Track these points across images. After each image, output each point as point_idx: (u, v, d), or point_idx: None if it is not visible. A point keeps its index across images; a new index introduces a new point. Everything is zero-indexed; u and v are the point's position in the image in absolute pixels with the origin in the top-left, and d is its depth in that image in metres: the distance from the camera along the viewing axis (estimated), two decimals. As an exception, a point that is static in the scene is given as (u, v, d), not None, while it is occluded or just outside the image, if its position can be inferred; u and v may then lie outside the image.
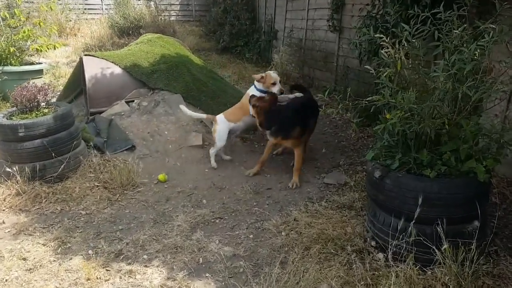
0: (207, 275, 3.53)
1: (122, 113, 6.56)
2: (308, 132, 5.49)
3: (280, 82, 5.71)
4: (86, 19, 14.38)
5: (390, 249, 3.42)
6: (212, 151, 5.72)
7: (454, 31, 3.20)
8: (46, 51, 8.68)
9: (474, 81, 3.14)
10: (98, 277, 3.51)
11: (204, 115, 5.99)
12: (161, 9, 15.41)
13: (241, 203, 4.77)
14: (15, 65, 8.23)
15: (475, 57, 3.14)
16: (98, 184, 5.08)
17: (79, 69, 7.23)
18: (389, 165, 3.59)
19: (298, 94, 5.71)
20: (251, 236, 4.10)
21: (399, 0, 4.67)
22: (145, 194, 5.03)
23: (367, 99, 3.55)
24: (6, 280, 3.49)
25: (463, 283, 3.08)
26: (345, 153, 6.06)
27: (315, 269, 3.40)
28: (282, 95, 5.60)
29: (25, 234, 4.22)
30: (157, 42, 8.07)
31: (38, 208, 4.68)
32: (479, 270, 3.23)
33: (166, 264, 3.68)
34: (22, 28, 8.28)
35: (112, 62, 6.94)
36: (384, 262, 3.45)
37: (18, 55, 8.35)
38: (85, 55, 7.06)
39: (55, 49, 8.76)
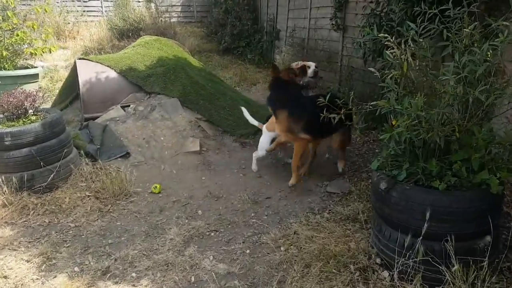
0: (198, 296, 3.28)
1: (117, 119, 6.32)
2: (318, 138, 5.11)
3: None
4: (86, 21, 14.16)
5: (396, 267, 3.16)
6: (255, 154, 5.46)
7: (465, 29, 2.92)
8: (41, 54, 8.45)
9: (486, 85, 2.86)
10: (82, 298, 3.27)
11: (256, 122, 5.73)
12: (162, 10, 15.19)
13: (238, 214, 4.51)
14: (8, 70, 8.00)
15: (488, 58, 2.86)
16: (90, 194, 4.84)
17: (74, 73, 7.01)
18: (395, 176, 3.32)
19: None
20: (247, 251, 3.84)
21: (404, -3, 4.42)
22: (138, 204, 4.79)
23: (371, 103, 3.28)
24: (-17, 303, 3.27)
25: (474, 306, 2.81)
26: (349, 159, 5.78)
27: (315, 290, 3.14)
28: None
29: (9, 249, 3.98)
30: (154, 44, 7.84)
31: (25, 221, 4.44)
32: (492, 291, 2.96)
33: (155, 284, 3.43)
34: (15, 31, 8.04)
35: (108, 66, 6.71)
36: (390, 281, 3.19)
37: (12, 59, 8.12)
38: (79, 58, 6.83)
39: (50, 52, 8.53)
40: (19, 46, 8.21)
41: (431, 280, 3.09)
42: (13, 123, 4.80)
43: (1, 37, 7.82)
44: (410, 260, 3.11)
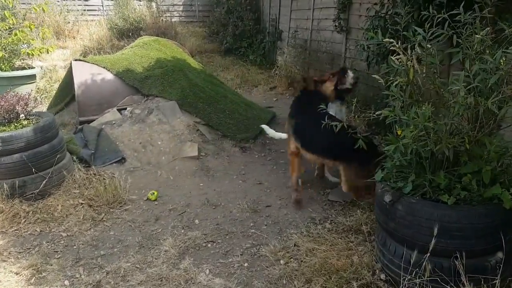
0: (193, 314, 3.12)
1: (113, 122, 6.15)
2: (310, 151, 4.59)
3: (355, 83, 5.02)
4: (86, 20, 13.98)
5: (402, 284, 2.98)
6: None
7: (476, 35, 2.74)
8: (38, 55, 8.31)
9: (499, 95, 2.68)
10: (70, 316, 3.11)
11: (283, 135, 5.26)
12: (163, 10, 15.00)
13: (237, 224, 4.34)
14: (5, 71, 7.86)
15: (501, 67, 2.68)
16: (83, 202, 4.68)
17: (70, 75, 6.85)
18: (401, 188, 3.15)
19: None
20: (245, 264, 3.67)
21: (410, 0, 4.23)
22: (133, 212, 4.62)
23: (376, 112, 3.10)
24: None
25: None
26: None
27: (315, 309, 2.97)
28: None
29: (-2, 260, 3.83)
30: (153, 45, 7.67)
31: (15, 230, 4.28)
32: (504, 313, 2.79)
33: (148, 300, 3.26)
34: (13, 31, 7.89)
35: (104, 68, 6.55)
36: (395, 300, 3.01)
37: (9, 59, 7.98)
38: (75, 59, 6.67)
39: (48, 52, 8.38)
40: (17, 46, 8.07)
41: (439, 299, 2.92)
42: (4, 128, 4.64)
43: (-1, 37, 7.69)
44: (417, 278, 2.94)
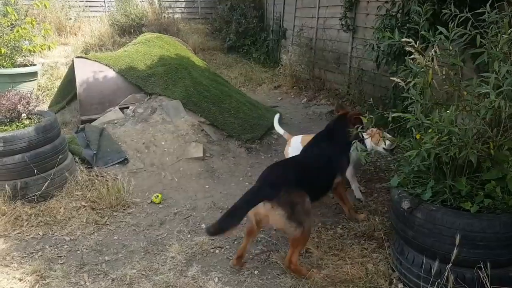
0: (202, 326, 2.98)
1: (115, 121, 6.00)
2: None
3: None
4: (87, 17, 13.80)
5: (422, 296, 2.86)
6: None
7: (503, 35, 2.59)
8: (40, 51, 8.15)
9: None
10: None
11: (282, 130, 5.12)
12: (165, 6, 14.82)
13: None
14: (7, 67, 7.70)
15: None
16: (85, 204, 4.54)
17: (72, 72, 6.70)
18: (419, 195, 3.01)
19: None
20: (256, 272, 3.53)
21: (426, -2, 4.08)
22: (137, 216, 4.48)
23: (393, 115, 2.96)
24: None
25: None
26: (361, 167, 5.44)
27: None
28: None
29: (1, 265, 3.69)
30: (155, 42, 7.52)
31: (18, 233, 4.15)
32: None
33: (154, 310, 3.13)
34: (14, 27, 7.74)
35: (106, 65, 6.40)
36: (415, 313, 2.87)
37: (11, 56, 7.82)
38: (77, 57, 6.52)
39: (49, 49, 8.22)
40: (18, 42, 7.91)
41: (462, 312, 2.79)
42: (5, 128, 4.49)
43: (1, 33, 7.52)
44: (438, 288, 2.81)
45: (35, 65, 8.16)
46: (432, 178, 3.02)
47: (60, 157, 4.61)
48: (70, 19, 13.25)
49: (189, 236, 4.09)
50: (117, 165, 5.28)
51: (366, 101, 6.87)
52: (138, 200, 4.74)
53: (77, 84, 6.07)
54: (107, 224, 4.32)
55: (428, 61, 2.96)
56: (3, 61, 7.72)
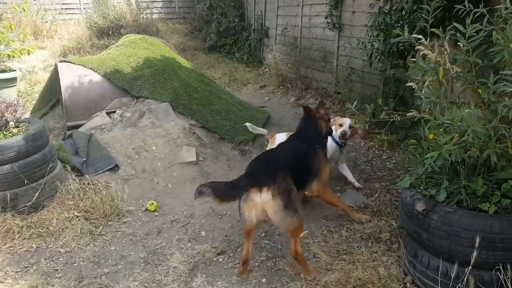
0: None
1: (103, 127, 5.80)
2: None
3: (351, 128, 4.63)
4: (64, 19, 13.42)
5: (440, 299, 2.78)
6: None
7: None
8: (19, 56, 7.85)
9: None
10: None
11: (265, 131, 5.07)
12: (143, 7, 14.56)
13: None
14: (-16, 74, 7.40)
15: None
16: (78, 214, 4.35)
17: (55, 77, 6.47)
18: (433, 196, 2.94)
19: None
20: (263, 280, 3.41)
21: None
22: (133, 225, 4.32)
23: (408, 114, 2.88)
24: None
25: None
26: (357, 166, 5.40)
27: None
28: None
29: (-6, 281, 3.50)
30: (140, 44, 7.31)
31: (10, 246, 3.95)
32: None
33: (163, 325, 2.98)
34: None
35: (91, 69, 6.18)
36: (434, 317, 2.80)
37: (-12, 62, 7.52)
38: (61, 61, 6.29)
39: (29, 54, 7.92)
40: (-6, 48, 7.60)
41: (481, 315, 2.73)
42: (-8, 137, 4.27)
43: (-24, 39, 7.21)
44: (455, 292, 2.75)
45: (14, 70, 7.86)
46: (445, 179, 2.95)
47: (50, 165, 4.41)
48: (46, 22, 12.88)
49: (189, 244, 3.95)
50: (107, 172, 5.09)
51: (355, 100, 6.80)
52: (133, 208, 4.57)
53: (62, 89, 5.84)
54: (103, 234, 4.15)
55: (439, 58, 2.88)
56: (-19, 67, 7.43)
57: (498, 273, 2.69)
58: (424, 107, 2.94)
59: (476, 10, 2.69)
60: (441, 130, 2.82)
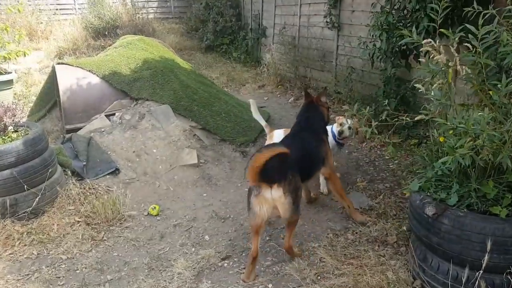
0: None
1: (102, 129, 5.73)
2: None
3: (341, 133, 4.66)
4: (59, 20, 13.30)
5: (451, 304, 2.74)
6: None
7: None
8: (15, 58, 7.75)
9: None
10: None
11: (264, 122, 5.00)
12: (139, 7, 14.46)
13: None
14: (-18, 76, 7.30)
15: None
16: (79, 220, 4.29)
17: (52, 79, 6.39)
18: (443, 200, 2.90)
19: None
20: (270, 285, 3.36)
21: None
22: (135, 230, 4.26)
23: (416, 117, 2.84)
24: None
25: None
26: (360, 167, 5.35)
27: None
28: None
29: (-5, 290, 3.44)
30: (138, 45, 7.24)
31: (10, 254, 3.88)
32: None
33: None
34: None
35: (89, 71, 6.10)
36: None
37: (-16, 64, 7.42)
38: (58, 63, 6.21)
39: (25, 56, 7.82)
40: (-10, 50, 7.51)
41: (493, 319, 2.69)
42: (-9, 142, 4.19)
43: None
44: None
45: (10, 72, 7.76)
46: (455, 182, 2.91)
47: (50, 170, 4.34)
48: (41, 23, 12.76)
49: (193, 249, 3.90)
50: (108, 176, 5.02)
51: (356, 99, 6.78)
52: (135, 213, 4.51)
53: (60, 92, 5.76)
54: (105, 240, 4.09)
55: (448, 60, 2.84)
56: (-23, 70, 7.33)
57: (509, 276, 2.67)
58: (434, 109, 2.90)
59: (486, 11, 2.64)
60: (450, 132, 2.78)
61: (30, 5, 12.60)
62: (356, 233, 3.95)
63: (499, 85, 2.61)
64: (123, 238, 4.12)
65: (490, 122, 2.54)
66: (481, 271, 2.59)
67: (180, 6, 16.29)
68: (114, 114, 6.03)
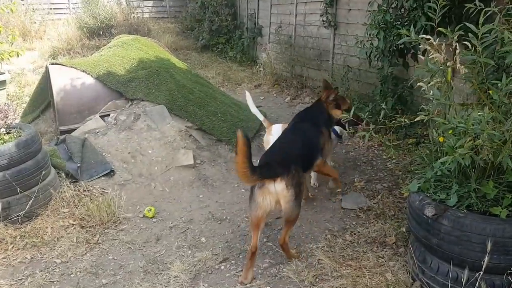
0: None
1: (97, 130, 5.66)
2: None
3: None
4: (53, 19, 13.22)
5: (451, 306, 2.71)
6: None
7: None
8: (8, 59, 7.65)
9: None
10: None
11: (262, 117, 4.98)
12: (134, 6, 14.37)
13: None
14: (-27, 77, 7.22)
15: None
16: (74, 222, 4.23)
17: (46, 80, 6.32)
18: (443, 201, 2.86)
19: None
20: (268, 288, 3.32)
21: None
22: (130, 232, 4.20)
23: (416, 118, 2.80)
24: None
25: None
26: (357, 167, 5.31)
27: None
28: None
29: (-13, 295, 3.38)
30: (133, 44, 7.17)
31: (3, 258, 3.81)
32: None
33: None
34: (-22, 34, 7.23)
35: (83, 71, 6.03)
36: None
37: (-24, 65, 7.33)
38: (52, 63, 6.14)
39: (18, 56, 7.72)
40: (-18, 50, 7.41)
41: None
42: (-18, 144, 4.12)
43: (-36, 41, 7.01)
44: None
45: (3, 73, 7.67)
46: (454, 182, 2.87)
47: (43, 172, 4.28)
48: (35, 22, 12.66)
49: (189, 252, 3.84)
50: (103, 178, 4.96)
51: (352, 99, 6.74)
52: (130, 215, 4.45)
53: (54, 93, 5.69)
54: (100, 243, 4.03)
55: (447, 59, 2.80)
56: (-31, 71, 7.25)
57: (509, 277, 2.64)
58: (433, 108, 2.86)
59: (487, 9, 2.60)
60: (450, 132, 2.74)
61: (23, 4, 12.50)
62: (355, 234, 3.91)
63: (499, 84, 2.57)
64: (118, 241, 4.06)
65: (490, 122, 2.50)
66: (481, 272, 2.56)
67: (176, 5, 16.23)
68: (109, 115, 5.96)
